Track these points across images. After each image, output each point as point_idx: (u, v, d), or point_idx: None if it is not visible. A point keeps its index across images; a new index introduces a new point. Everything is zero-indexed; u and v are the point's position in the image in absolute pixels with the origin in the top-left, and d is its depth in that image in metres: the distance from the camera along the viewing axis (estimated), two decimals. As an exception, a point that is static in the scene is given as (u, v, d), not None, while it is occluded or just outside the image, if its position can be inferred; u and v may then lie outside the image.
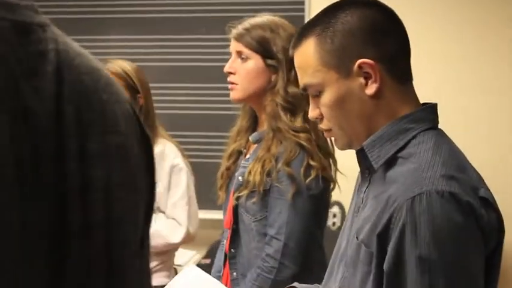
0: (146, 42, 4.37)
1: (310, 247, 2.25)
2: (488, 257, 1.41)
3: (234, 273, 2.35)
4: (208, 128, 4.15)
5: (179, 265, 3.84)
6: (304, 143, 2.23)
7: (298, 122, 2.25)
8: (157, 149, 2.92)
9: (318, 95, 1.52)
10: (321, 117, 1.54)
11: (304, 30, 1.53)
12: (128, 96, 2.78)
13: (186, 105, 4.31)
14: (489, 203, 1.40)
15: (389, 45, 1.48)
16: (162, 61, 4.34)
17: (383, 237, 1.38)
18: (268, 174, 2.24)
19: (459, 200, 1.35)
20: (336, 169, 2.32)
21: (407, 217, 1.34)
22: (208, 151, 4.17)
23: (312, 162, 2.22)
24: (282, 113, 2.26)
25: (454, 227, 1.34)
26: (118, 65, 2.91)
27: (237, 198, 2.31)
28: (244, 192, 2.28)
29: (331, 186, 2.30)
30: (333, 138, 1.64)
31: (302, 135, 2.23)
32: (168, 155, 2.93)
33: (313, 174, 2.22)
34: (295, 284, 1.80)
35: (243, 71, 2.31)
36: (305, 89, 1.55)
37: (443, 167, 1.39)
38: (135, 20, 4.40)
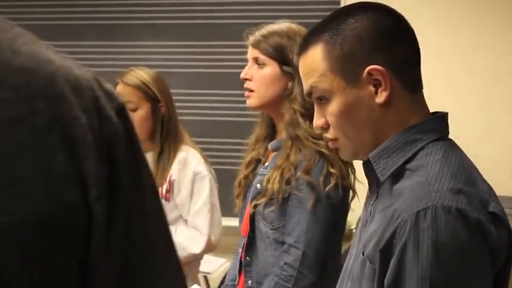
0: (171, 49, 4.36)
1: (328, 256, 2.22)
2: (496, 274, 1.35)
3: (249, 281, 2.32)
4: (232, 134, 4.14)
5: (208, 273, 3.83)
6: (324, 150, 2.19)
7: (318, 130, 2.21)
8: (180, 156, 2.90)
9: (324, 102, 1.47)
10: (326, 126, 1.50)
11: (312, 36, 1.48)
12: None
13: (211, 112, 4.30)
14: (499, 218, 1.34)
15: (399, 51, 1.43)
16: (188, 67, 4.33)
17: (386, 253, 1.33)
18: (288, 183, 2.21)
19: (466, 216, 1.29)
20: (355, 178, 2.28)
21: (411, 233, 1.29)
22: (233, 158, 4.15)
23: (331, 170, 2.19)
24: (300, 120, 2.23)
25: (460, 246, 1.28)
26: (135, 76, 2.88)
27: (255, 206, 2.28)
28: (262, 200, 2.25)
29: (351, 194, 2.26)
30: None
31: (321, 142, 2.18)
32: (190, 162, 2.91)
33: (332, 182, 2.18)
34: None
35: (259, 77, 2.29)
36: (310, 93, 1.50)
37: (452, 180, 1.34)
38: (161, 26, 4.40)
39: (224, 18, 4.14)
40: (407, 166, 1.41)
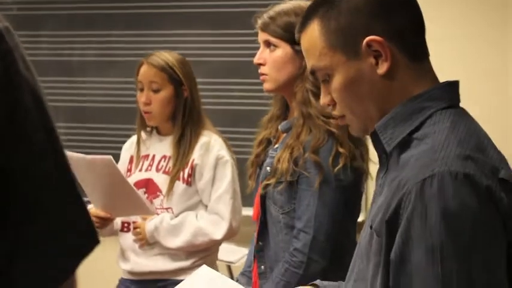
0: (197, 37, 4.35)
1: (341, 239, 2.16)
2: (510, 245, 1.28)
3: (262, 267, 2.28)
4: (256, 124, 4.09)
5: (231, 262, 3.81)
6: (333, 130, 2.15)
7: (329, 108, 2.17)
8: (202, 140, 2.89)
9: (328, 80, 1.43)
10: (333, 103, 1.46)
11: (309, 12, 1.45)
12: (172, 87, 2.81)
13: (235, 101, 4.27)
14: (510, 185, 1.28)
15: (398, 20, 1.38)
16: (214, 56, 4.31)
17: (392, 224, 1.27)
18: (296, 163, 2.17)
19: (475, 182, 1.24)
20: (367, 159, 2.23)
21: (417, 202, 1.24)
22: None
23: (340, 150, 2.14)
24: (312, 99, 2.18)
25: (469, 213, 1.22)
26: (161, 58, 2.88)
27: (265, 187, 2.24)
28: (272, 181, 2.21)
29: (363, 176, 2.21)
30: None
31: (332, 121, 2.14)
32: (213, 146, 2.89)
33: (341, 162, 2.14)
34: (317, 281, 1.71)
35: (271, 60, 2.26)
36: (313, 72, 1.46)
37: (459, 147, 1.28)
38: (186, 15, 4.38)
39: (251, 6, 4.12)
40: (414, 135, 1.36)
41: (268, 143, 2.39)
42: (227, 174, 2.88)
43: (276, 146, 2.30)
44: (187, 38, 4.33)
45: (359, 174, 2.19)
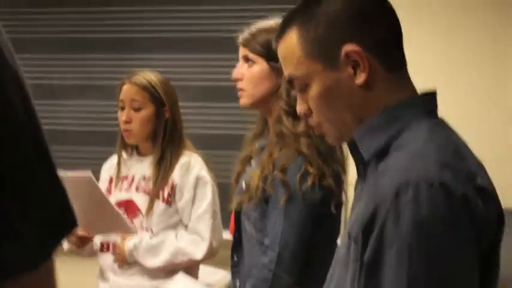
0: (177, 62, 4.37)
1: (312, 258, 2.17)
2: (485, 252, 1.30)
3: (237, 282, 2.30)
4: (238, 147, 4.11)
5: (210, 284, 3.79)
6: (303, 149, 2.17)
7: (301, 127, 2.18)
8: (182, 160, 2.90)
9: (305, 88, 1.44)
10: (309, 112, 1.46)
11: (287, 20, 1.46)
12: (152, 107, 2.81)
13: (216, 125, 4.29)
14: (487, 193, 1.30)
15: (377, 31, 1.40)
16: (194, 80, 4.34)
17: (368, 231, 1.29)
18: (265, 180, 2.19)
19: (450, 191, 1.24)
20: (343, 175, 2.24)
21: (391, 208, 1.24)
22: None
23: (309, 169, 2.15)
24: (284, 117, 2.21)
25: (440, 222, 1.23)
26: (143, 77, 2.91)
27: (239, 204, 2.27)
28: (245, 198, 2.24)
29: (333, 194, 2.21)
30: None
31: (303, 140, 2.17)
32: (193, 166, 2.90)
33: (309, 181, 2.14)
34: None
35: (249, 75, 2.29)
36: (291, 81, 1.47)
37: (436, 154, 1.29)
38: (167, 39, 4.41)
39: (231, 31, 4.16)
40: (392, 144, 1.36)
41: (249, 160, 2.41)
42: (207, 194, 2.89)
43: (253, 162, 2.33)
44: (167, 62, 4.35)
45: (328, 192, 2.19)
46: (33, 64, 4.42)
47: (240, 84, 2.32)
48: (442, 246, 1.24)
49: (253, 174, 2.23)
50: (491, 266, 1.33)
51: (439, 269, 1.24)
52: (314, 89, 1.42)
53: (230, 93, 4.20)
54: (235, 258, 2.32)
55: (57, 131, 4.38)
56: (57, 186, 0.80)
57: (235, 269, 2.32)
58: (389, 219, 1.25)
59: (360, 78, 1.38)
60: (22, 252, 0.74)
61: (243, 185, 2.28)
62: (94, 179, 2.74)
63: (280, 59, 1.49)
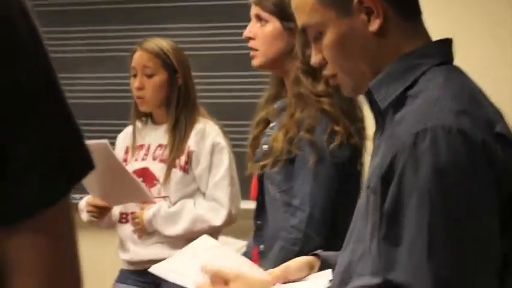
0: (190, 31, 4.32)
1: (339, 217, 2.14)
2: (506, 201, 1.27)
3: (261, 246, 2.28)
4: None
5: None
6: (327, 108, 2.15)
7: (321, 87, 2.17)
8: (198, 127, 2.88)
9: (319, 37, 1.42)
10: (324, 62, 1.44)
11: None
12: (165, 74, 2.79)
13: (231, 94, 4.25)
14: (507, 140, 1.28)
15: None
16: (207, 49, 4.29)
17: (387, 180, 1.27)
18: (291, 142, 2.17)
19: (469, 137, 1.23)
20: (365, 134, 2.22)
21: (409, 156, 1.23)
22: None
23: (336, 128, 2.14)
24: (302, 77, 2.18)
25: (460, 167, 1.22)
26: (155, 43, 2.89)
27: (262, 167, 2.24)
28: (268, 161, 2.21)
29: (360, 153, 2.20)
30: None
31: (325, 100, 2.15)
32: (209, 133, 2.88)
33: (337, 140, 2.13)
34: (318, 251, 1.71)
35: (262, 35, 2.26)
36: (304, 30, 1.45)
37: (453, 101, 1.27)
38: (179, 8, 4.36)
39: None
40: (408, 93, 1.35)
41: (266, 123, 2.38)
42: (224, 160, 2.87)
43: (273, 124, 2.30)
44: (182, 32, 4.31)
45: (355, 152, 2.18)
46: (46, 38, 4.39)
47: (252, 44, 2.29)
48: (461, 192, 1.23)
49: (275, 136, 2.21)
50: None
51: (458, 215, 1.23)
52: (328, 37, 1.40)
53: (242, 61, 4.19)
54: (259, 222, 2.30)
55: (71, 104, 4.37)
56: (75, 125, 0.79)
57: (259, 233, 2.30)
58: (408, 167, 1.24)
59: (374, 25, 1.36)
60: (38, 189, 0.74)
61: (264, 147, 2.26)
62: (110, 146, 2.73)
63: (293, 9, 1.47)
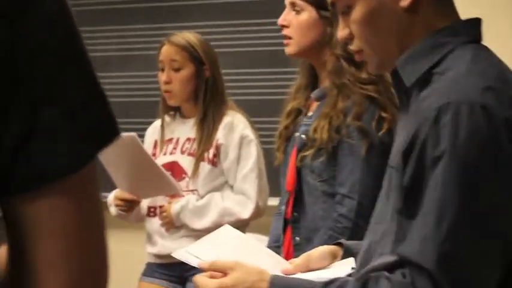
0: (217, 28, 4.33)
1: None
2: None
3: (297, 238, 2.24)
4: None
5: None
6: (373, 95, 2.13)
7: (364, 74, 2.14)
8: (226, 120, 2.88)
9: (348, 11, 1.40)
10: (351, 37, 1.43)
11: None
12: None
13: (259, 91, 4.25)
14: None
15: None
16: (235, 47, 4.29)
17: (407, 154, 1.26)
18: (337, 131, 2.14)
19: (492, 114, 1.21)
20: None
21: (430, 129, 1.22)
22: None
23: (384, 114, 2.12)
24: (345, 66, 2.16)
25: (479, 145, 1.21)
26: (182, 37, 2.90)
27: (302, 159, 2.21)
28: (310, 152, 2.18)
29: None
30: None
31: (370, 87, 2.13)
32: (237, 125, 2.87)
33: (385, 127, 2.11)
34: (341, 240, 1.69)
35: (296, 23, 2.25)
36: (333, 4, 1.44)
37: (480, 77, 1.26)
38: (206, 6, 4.37)
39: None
40: (435, 70, 1.33)
41: (297, 113, 2.36)
42: (252, 153, 2.86)
43: (310, 113, 2.28)
44: (209, 29, 4.31)
45: None
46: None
47: (286, 31, 2.28)
48: (477, 171, 1.21)
49: (317, 126, 2.18)
50: None
51: (473, 193, 1.21)
52: (357, 11, 1.39)
53: (271, 58, 4.18)
54: (295, 214, 2.26)
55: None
56: (101, 91, 0.78)
57: (295, 225, 2.26)
58: (428, 141, 1.23)
59: (405, 1, 1.35)
60: (67, 153, 0.73)
61: (303, 137, 2.23)
62: (138, 139, 2.73)
63: None
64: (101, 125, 0.77)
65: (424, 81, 1.33)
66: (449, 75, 1.30)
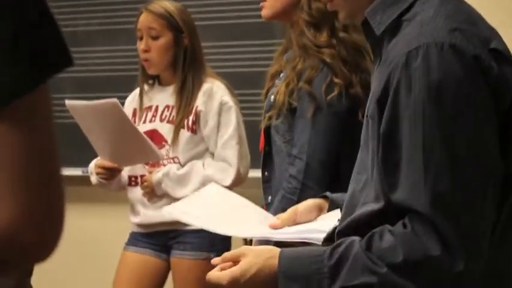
0: (202, 1, 4.31)
1: (343, 169, 2.11)
2: (504, 116, 1.26)
3: (269, 197, 2.26)
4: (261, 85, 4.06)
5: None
6: (327, 59, 2.14)
7: (323, 37, 2.17)
8: (205, 87, 2.87)
9: None
10: None
11: None
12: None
13: (239, 64, 4.23)
14: (502, 55, 1.26)
15: None
16: (218, 19, 4.27)
17: (382, 102, 1.27)
18: (291, 94, 2.17)
19: (461, 52, 1.22)
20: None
21: (402, 74, 1.23)
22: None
23: (335, 80, 2.13)
24: (305, 29, 2.18)
25: (453, 81, 1.22)
26: (160, 5, 2.88)
27: (268, 119, 2.24)
28: (273, 112, 2.22)
29: (361, 103, 2.17)
30: None
31: (326, 50, 2.15)
32: (216, 92, 2.87)
33: (336, 90, 2.12)
34: (327, 193, 1.70)
35: None
36: None
37: (447, 20, 1.27)
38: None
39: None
40: (404, 17, 1.34)
41: (278, 76, 2.38)
42: (232, 119, 2.86)
43: (281, 75, 2.30)
44: (192, 2, 4.30)
45: (355, 101, 2.16)
46: (55, 12, 4.39)
47: None
48: (455, 107, 1.22)
49: (279, 88, 2.22)
50: None
51: (454, 130, 1.22)
52: None
53: (253, 30, 4.17)
54: (266, 173, 2.29)
55: (84, 78, 4.37)
56: (49, 18, 0.77)
57: (267, 184, 2.29)
58: (401, 86, 1.24)
59: None
60: (15, 76, 0.72)
61: (271, 98, 2.27)
62: (119, 104, 2.72)
63: None
64: (47, 51, 0.75)
65: (394, 29, 1.34)
66: (417, 19, 1.30)
